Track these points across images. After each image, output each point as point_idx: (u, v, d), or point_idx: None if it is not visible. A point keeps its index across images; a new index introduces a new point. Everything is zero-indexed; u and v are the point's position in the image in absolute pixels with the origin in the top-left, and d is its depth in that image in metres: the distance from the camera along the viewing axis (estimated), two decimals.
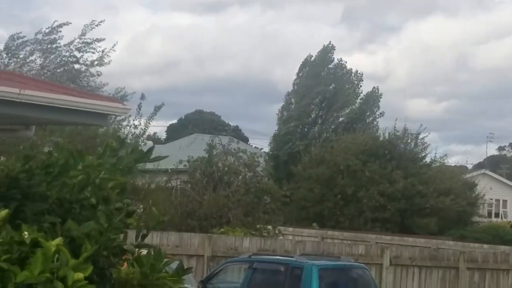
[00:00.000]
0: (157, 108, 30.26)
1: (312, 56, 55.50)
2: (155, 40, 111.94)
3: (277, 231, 27.67)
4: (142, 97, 30.43)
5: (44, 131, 22.60)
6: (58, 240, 3.69)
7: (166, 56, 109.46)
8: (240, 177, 29.46)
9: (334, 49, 55.69)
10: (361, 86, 55.21)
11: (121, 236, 4.33)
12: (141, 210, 22.01)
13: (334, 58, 55.46)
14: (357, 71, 55.55)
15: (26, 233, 3.77)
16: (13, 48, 30.96)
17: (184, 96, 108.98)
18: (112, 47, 32.19)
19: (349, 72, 55.23)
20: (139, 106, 29.32)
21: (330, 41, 62.66)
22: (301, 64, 55.91)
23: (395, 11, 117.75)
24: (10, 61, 30.78)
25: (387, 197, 40.20)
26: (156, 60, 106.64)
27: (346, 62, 55.53)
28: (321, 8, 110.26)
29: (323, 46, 55.75)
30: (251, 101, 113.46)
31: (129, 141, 24.85)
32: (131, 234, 4.44)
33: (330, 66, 55.21)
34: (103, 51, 31.57)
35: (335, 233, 34.01)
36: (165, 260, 4.18)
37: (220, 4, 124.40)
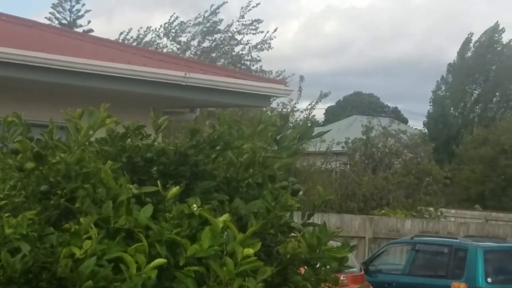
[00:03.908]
0: (322, 96, 30.35)
1: (473, 34, 53.95)
2: (328, 23, 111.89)
3: (439, 213, 27.21)
4: (301, 79, 30.52)
5: (203, 115, 23.08)
6: (225, 217, 3.73)
7: (337, 38, 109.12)
8: (400, 158, 29.18)
9: (504, 31, 53.66)
10: None
11: (288, 214, 4.35)
12: (302, 192, 22.13)
13: (502, 38, 53.51)
14: None
15: (194, 205, 3.83)
16: (172, 32, 31.63)
17: (345, 79, 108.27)
18: (273, 32, 32.39)
19: None
20: (300, 89, 29.43)
21: (497, 21, 59.87)
22: (462, 43, 54.45)
23: None
24: (171, 44, 31.44)
25: None
26: (326, 42, 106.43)
27: None
28: None
29: (492, 25, 53.91)
30: (415, 82, 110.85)
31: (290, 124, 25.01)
32: (295, 216, 4.45)
33: (497, 46, 53.45)
34: (265, 36, 31.83)
35: (500, 215, 32.98)
36: (331, 232, 4.17)
37: None
